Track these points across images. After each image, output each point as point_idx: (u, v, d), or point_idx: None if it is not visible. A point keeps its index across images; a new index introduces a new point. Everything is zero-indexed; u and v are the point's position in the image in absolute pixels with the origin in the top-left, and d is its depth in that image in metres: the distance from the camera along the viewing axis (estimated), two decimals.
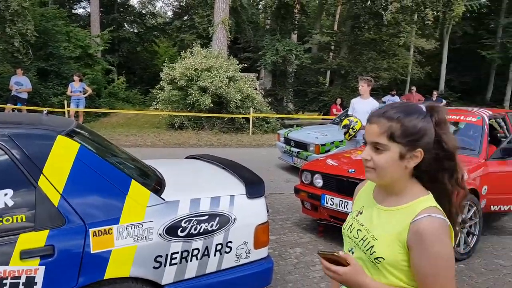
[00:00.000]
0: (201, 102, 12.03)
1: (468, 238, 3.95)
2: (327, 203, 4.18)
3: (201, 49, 13.34)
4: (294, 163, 7.53)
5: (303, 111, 19.35)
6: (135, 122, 15.06)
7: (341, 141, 6.93)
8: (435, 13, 14.85)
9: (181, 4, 26.31)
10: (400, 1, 13.40)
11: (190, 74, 12.25)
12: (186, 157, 3.62)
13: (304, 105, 19.42)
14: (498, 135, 5.52)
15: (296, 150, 7.47)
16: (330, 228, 4.51)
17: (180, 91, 12.66)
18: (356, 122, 5.84)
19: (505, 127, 5.40)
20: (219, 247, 2.37)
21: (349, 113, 6.31)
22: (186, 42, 19.76)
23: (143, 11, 30.75)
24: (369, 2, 15.79)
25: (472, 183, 3.98)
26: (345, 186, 4.07)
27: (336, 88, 18.17)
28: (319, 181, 4.39)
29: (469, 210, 3.93)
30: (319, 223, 4.53)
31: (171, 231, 2.22)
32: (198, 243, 2.29)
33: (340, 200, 4.06)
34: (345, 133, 5.98)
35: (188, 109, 12.65)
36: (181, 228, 2.24)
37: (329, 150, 6.96)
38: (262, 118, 13.52)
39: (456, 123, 5.74)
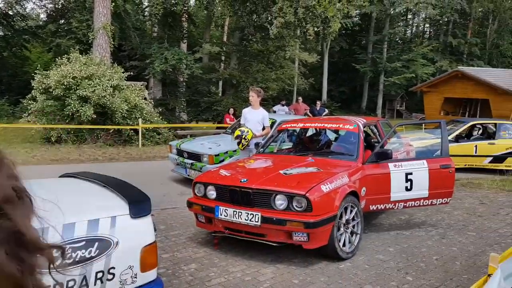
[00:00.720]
0: (81, 113, 11.10)
1: (352, 237, 4.20)
2: (221, 214, 4.09)
3: (80, 55, 12.36)
4: (188, 175, 7.32)
5: (196, 121, 19.23)
6: (2, 136, 13.22)
7: (235, 151, 6.95)
8: (315, 29, 16.06)
9: (57, 6, 24.17)
10: (284, 16, 14.17)
11: (67, 83, 11.25)
12: (61, 176, 3.21)
13: (198, 114, 19.32)
14: (372, 140, 6.07)
15: (189, 161, 7.28)
16: (226, 240, 4.44)
17: (56, 101, 11.55)
18: (248, 132, 5.92)
19: (377, 133, 5.98)
20: (99, 275, 2.14)
21: (241, 122, 6.38)
22: (63, 47, 18.17)
23: (10, 12, 27.44)
24: (255, 15, 16.40)
25: (353, 185, 4.26)
26: (238, 196, 4.03)
27: (228, 98, 18.43)
28: (212, 193, 4.29)
29: (351, 211, 4.19)
30: (214, 236, 4.42)
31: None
32: (73, 273, 2.05)
33: (234, 211, 4.01)
34: (238, 144, 6.03)
35: (67, 120, 11.57)
36: None
37: (223, 160, 6.92)
38: (153, 129, 13.00)
39: (336, 131, 6.20)
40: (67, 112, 11.33)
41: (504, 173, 8.87)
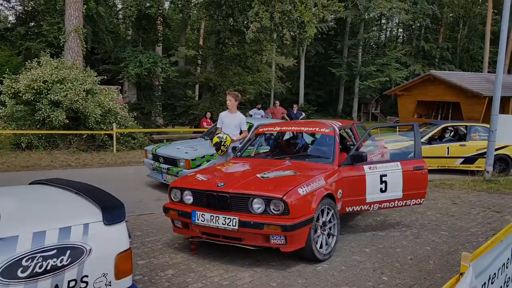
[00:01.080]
0: (53, 118, 10.83)
1: (328, 239, 4.24)
2: (198, 219, 4.06)
3: (51, 59, 12.07)
4: (165, 180, 7.23)
5: (173, 125, 19.05)
6: None
7: (212, 155, 6.91)
8: (292, 34, 16.20)
9: (26, 8, 23.49)
10: (260, 21, 14.24)
11: (38, 87, 10.96)
12: (31, 183, 3.11)
13: (174, 119, 19.16)
14: (348, 143, 6.15)
15: (165, 166, 7.19)
16: (203, 245, 4.40)
17: (26, 106, 11.24)
18: (226, 138, 5.92)
19: (352, 136, 6.07)
20: (72, 283, 2.10)
21: (218, 126, 6.35)
22: (33, 51, 17.69)
23: None
24: (231, 19, 16.42)
25: (329, 188, 4.30)
26: (215, 201, 4.01)
27: (205, 102, 18.36)
28: (189, 198, 4.24)
29: (328, 213, 4.23)
30: (191, 241, 4.38)
31: (9, 272, 1.91)
32: (45, 283, 2.00)
33: (211, 215, 3.98)
34: (216, 150, 6.00)
35: (38, 126, 11.27)
36: (21, 268, 1.95)
37: (200, 165, 6.87)
38: (128, 134, 12.79)
39: (312, 134, 6.26)
40: (38, 117, 11.04)
41: (475, 174, 9.15)
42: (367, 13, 32.96)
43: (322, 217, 4.15)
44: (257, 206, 3.85)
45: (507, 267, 2.24)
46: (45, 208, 2.50)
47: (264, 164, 4.91)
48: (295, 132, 6.30)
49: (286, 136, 6.68)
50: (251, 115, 13.93)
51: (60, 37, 13.80)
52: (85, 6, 14.08)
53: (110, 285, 2.25)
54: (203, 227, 4.08)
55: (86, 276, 2.14)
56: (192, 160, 6.89)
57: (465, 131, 10.20)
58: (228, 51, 18.98)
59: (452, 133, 10.75)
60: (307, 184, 4.03)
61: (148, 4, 15.52)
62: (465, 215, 6.00)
